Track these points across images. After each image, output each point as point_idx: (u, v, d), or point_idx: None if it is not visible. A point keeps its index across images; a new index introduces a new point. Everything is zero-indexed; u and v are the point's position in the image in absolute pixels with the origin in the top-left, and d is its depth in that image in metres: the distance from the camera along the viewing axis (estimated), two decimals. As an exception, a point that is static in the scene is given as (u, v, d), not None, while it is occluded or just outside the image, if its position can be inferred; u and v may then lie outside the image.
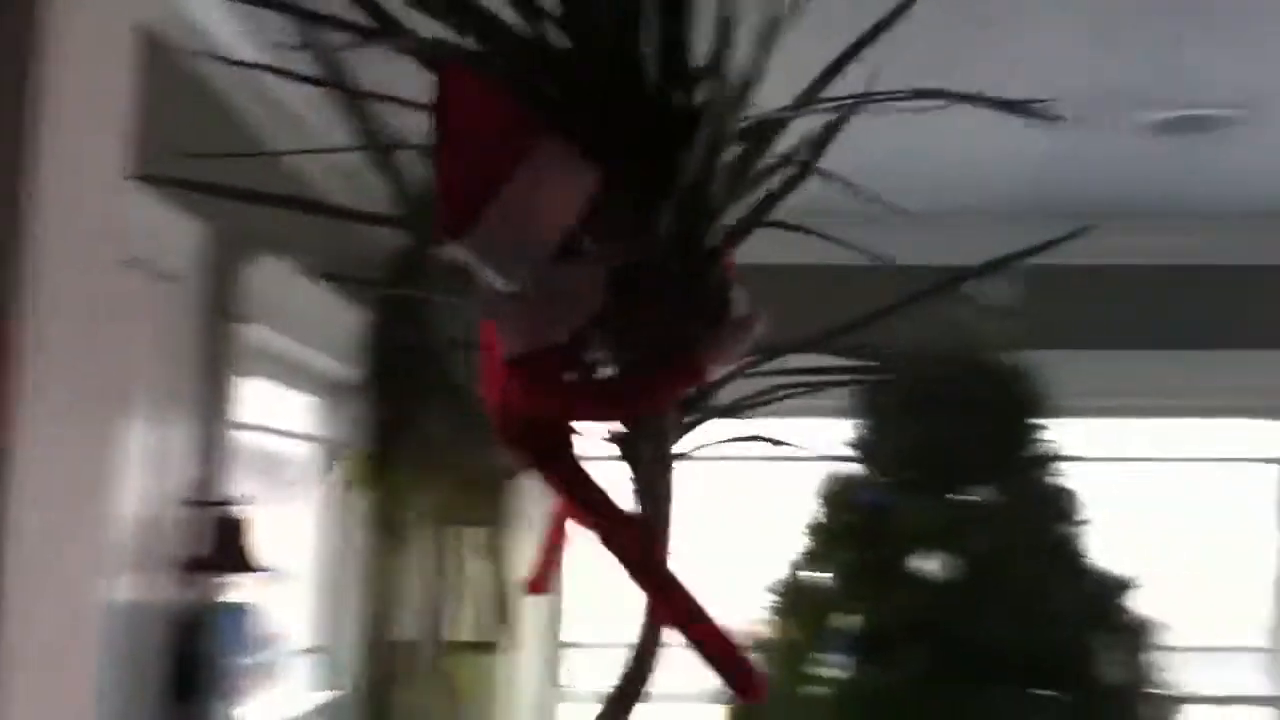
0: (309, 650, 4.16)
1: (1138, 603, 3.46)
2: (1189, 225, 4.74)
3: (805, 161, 1.13)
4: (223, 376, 3.41)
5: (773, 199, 1.13)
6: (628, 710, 1.24)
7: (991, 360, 3.63)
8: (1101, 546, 3.52)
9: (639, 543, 1.18)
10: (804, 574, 3.57)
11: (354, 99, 2.30)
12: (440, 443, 2.38)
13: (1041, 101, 1.35)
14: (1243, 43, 3.28)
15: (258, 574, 3.19)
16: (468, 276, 2.49)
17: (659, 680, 1.17)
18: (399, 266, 2.33)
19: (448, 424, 2.39)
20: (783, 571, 3.64)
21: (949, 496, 3.45)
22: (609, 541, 1.20)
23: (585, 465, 1.19)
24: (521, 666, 4.28)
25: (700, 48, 1.09)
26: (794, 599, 3.56)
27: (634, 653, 1.21)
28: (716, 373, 1.14)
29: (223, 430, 3.39)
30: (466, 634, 4.26)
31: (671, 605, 1.17)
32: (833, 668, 3.36)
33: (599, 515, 1.18)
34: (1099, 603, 3.41)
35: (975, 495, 3.50)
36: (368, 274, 4.27)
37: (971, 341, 3.53)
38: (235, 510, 3.17)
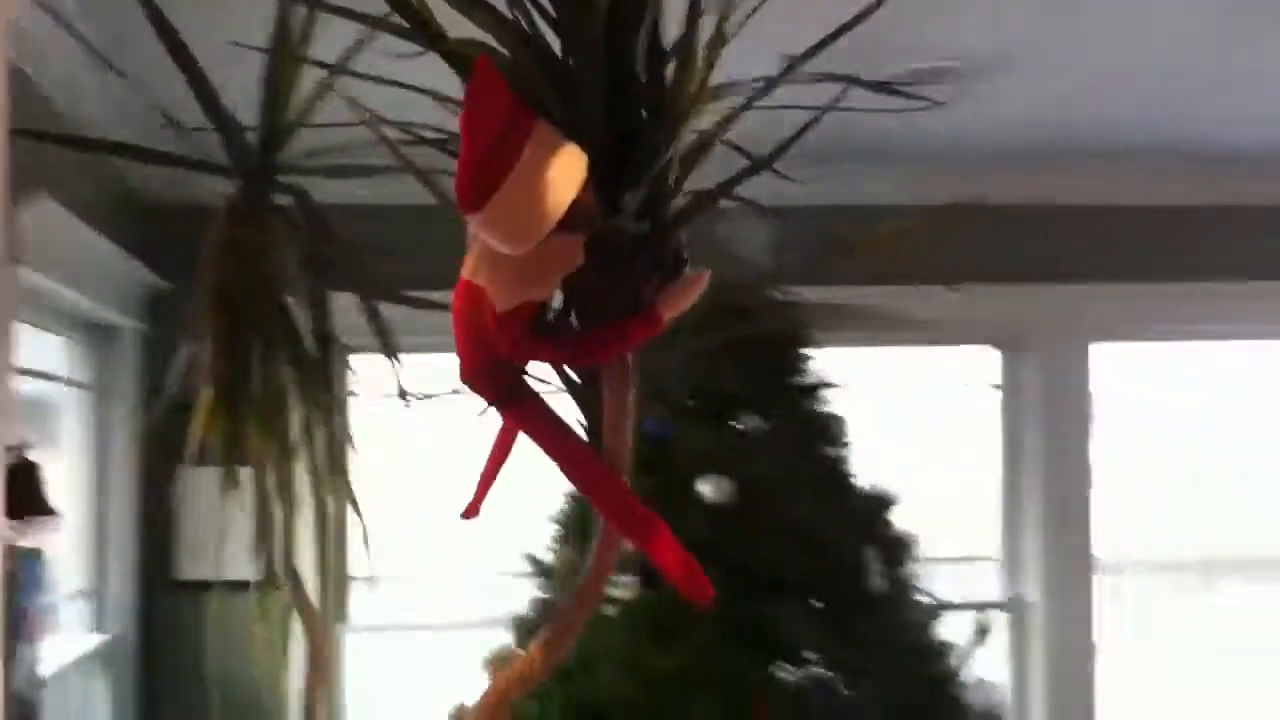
0: (80, 594, 4.20)
1: (896, 519, 3.82)
2: (919, 169, 5.16)
3: (759, 159, 1.37)
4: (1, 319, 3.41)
5: (731, 183, 1.36)
6: (576, 624, 1.46)
7: (759, 293, 3.90)
8: (861, 468, 3.86)
9: (598, 468, 1.40)
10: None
11: (175, 45, 2.41)
12: (231, 384, 2.51)
13: (908, 83, 1.62)
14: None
15: (51, 518, 3.25)
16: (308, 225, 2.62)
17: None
18: (233, 212, 2.45)
19: (247, 366, 2.53)
20: (562, 500, 3.87)
21: (728, 424, 3.72)
22: (570, 468, 1.42)
23: (548, 402, 1.41)
24: (306, 602, 4.38)
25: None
26: (580, 526, 3.78)
27: (588, 571, 1.43)
28: (670, 322, 1.37)
29: (2, 374, 3.40)
30: (247, 572, 4.33)
31: (628, 523, 1.40)
32: (621, 589, 3.60)
33: (563, 445, 1.40)
34: (864, 520, 3.75)
35: (751, 423, 3.77)
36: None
37: (741, 275, 3.80)
38: (25, 455, 3.21)
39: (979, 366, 5.64)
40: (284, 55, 2.34)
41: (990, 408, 5.58)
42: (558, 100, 1.25)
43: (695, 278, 1.36)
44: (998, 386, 5.58)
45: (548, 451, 1.40)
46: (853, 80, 1.40)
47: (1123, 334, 5.54)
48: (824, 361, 4.00)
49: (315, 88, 2.43)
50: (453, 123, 1.43)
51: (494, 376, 1.38)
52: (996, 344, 5.58)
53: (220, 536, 3.82)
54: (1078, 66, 4.34)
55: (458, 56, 1.19)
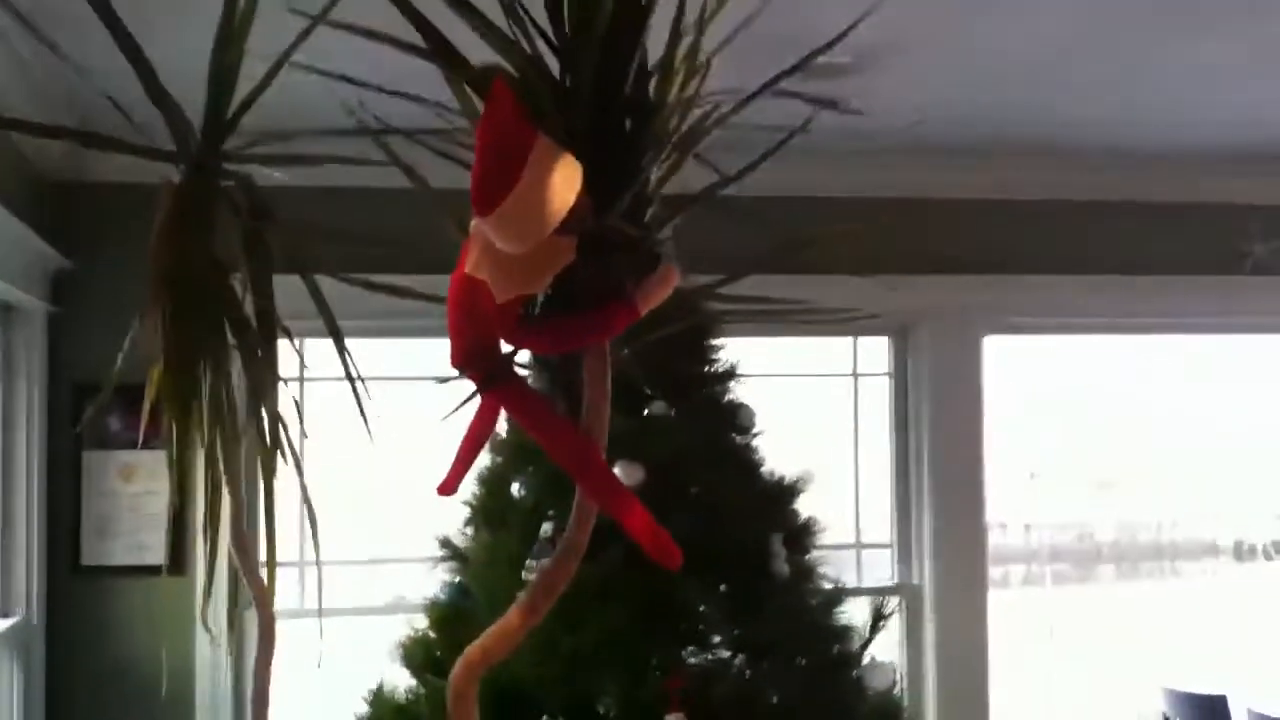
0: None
1: (801, 505, 4.05)
2: (813, 160, 5.39)
3: (730, 175, 1.58)
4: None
5: (709, 191, 1.57)
6: (554, 591, 1.65)
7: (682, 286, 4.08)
8: (769, 454, 4.09)
9: (579, 443, 1.59)
10: (503, 486, 3.95)
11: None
12: (182, 364, 2.62)
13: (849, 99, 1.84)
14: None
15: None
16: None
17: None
18: (177, 194, 2.57)
19: (198, 347, 2.65)
20: (475, 486, 4.03)
21: (640, 411, 3.91)
22: (552, 444, 1.61)
23: (529, 384, 1.60)
24: (206, 586, 4.48)
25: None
26: (493, 509, 3.95)
27: (566, 542, 1.63)
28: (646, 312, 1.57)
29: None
30: (149, 557, 4.45)
31: (605, 493, 1.60)
32: (538, 570, 3.76)
33: (546, 422, 1.59)
34: (770, 506, 3.97)
35: (662, 409, 3.97)
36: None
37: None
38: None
39: (876, 357, 5.91)
40: (230, 37, 2.44)
41: (885, 398, 5.85)
42: (557, 115, 1.44)
43: (669, 272, 1.57)
44: (890, 375, 5.84)
45: (532, 429, 1.60)
46: (823, 104, 1.61)
47: (1016, 326, 5.83)
48: (731, 351, 4.22)
49: (266, 73, 2.54)
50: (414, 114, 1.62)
51: (485, 361, 1.57)
52: (891, 334, 5.85)
53: (140, 520, 3.95)
54: (966, 59, 4.58)
55: (471, 78, 1.38)
